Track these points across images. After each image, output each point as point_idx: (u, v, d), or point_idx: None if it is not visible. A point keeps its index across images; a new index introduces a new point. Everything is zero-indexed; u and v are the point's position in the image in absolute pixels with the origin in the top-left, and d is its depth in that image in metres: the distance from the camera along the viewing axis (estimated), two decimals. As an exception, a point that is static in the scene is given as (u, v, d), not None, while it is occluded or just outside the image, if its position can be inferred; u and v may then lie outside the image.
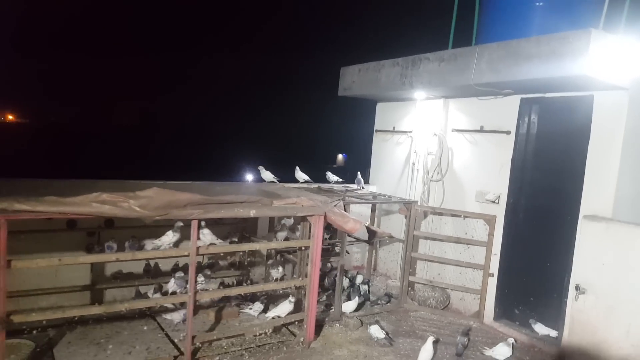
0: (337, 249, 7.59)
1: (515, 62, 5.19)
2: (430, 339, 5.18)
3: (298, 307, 5.54)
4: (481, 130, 6.63)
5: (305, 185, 7.37)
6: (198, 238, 4.55)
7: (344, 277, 7.30)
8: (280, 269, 5.19)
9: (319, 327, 5.89)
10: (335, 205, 5.74)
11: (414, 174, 7.64)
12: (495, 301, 6.44)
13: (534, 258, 6.12)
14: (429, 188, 7.34)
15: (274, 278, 5.20)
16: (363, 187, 7.84)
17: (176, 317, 5.37)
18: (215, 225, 6.45)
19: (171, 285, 4.71)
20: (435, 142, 7.23)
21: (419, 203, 7.32)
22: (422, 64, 6.36)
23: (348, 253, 7.64)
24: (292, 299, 5.24)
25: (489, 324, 6.44)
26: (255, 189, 6.31)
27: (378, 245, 8.36)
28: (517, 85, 5.58)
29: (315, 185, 7.51)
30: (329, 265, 7.50)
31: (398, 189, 7.98)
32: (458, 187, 6.99)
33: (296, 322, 5.51)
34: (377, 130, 8.55)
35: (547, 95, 5.83)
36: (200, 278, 4.71)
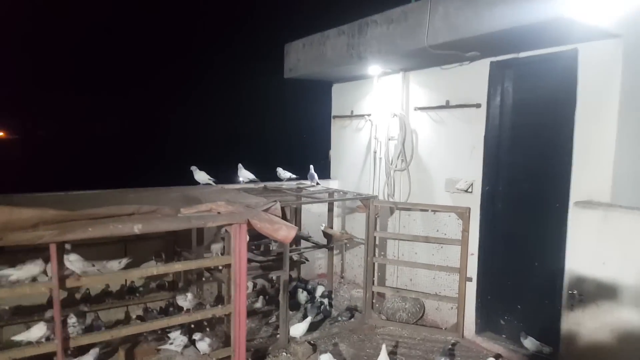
0: (294, 257, 6.52)
1: (475, 12, 4.05)
2: (384, 348, 4.20)
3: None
4: (447, 105, 5.50)
5: (249, 186, 6.27)
6: (60, 266, 3.41)
7: (302, 290, 6.22)
8: (189, 295, 4.07)
9: (260, 358, 4.82)
10: (268, 209, 4.63)
11: (376, 163, 6.52)
12: (477, 311, 5.34)
13: (518, 257, 5.01)
14: (394, 179, 6.22)
15: (184, 308, 4.08)
16: (318, 183, 6.74)
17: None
18: (143, 240, 5.37)
19: (38, 330, 3.57)
20: (396, 125, 6.10)
21: (381, 197, 6.22)
22: (370, 28, 5.22)
23: (307, 261, 6.56)
24: (197, 336, 4.09)
25: (471, 339, 5.33)
26: (178, 193, 5.21)
27: (344, 249, 7.25)
28: (481, 43, 4.44)
29: (262, 184, 6.42)
30: (283, 276, 6.38)
31: (361, 182, 6.85)
32: (425, 176, 5.86)
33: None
34: (334, 116, 7.41)
35: (522, 55, 4.70)
36: (72, 319, 3.59)
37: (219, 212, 4.20)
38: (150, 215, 3.86)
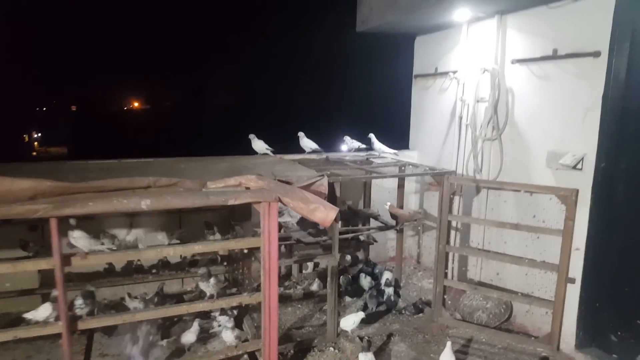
0: (360, 237, 5.76)
1: None
2: (449, 345, 3.63)
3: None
4: (554, 55, 4.23)
5: (310, 156, 5.63)
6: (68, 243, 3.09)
7: (365, 275, 5.50)
8: (212, 280, 3.57)
9: (302, 352, 4.27)
10: (310, 185, 3.93)
11: (462, 131, 5.42)
12: (579, 320, 4.18)
13: (642, 258, 3.75)
14: (482, 151, 5.11)
15: (207, 294, 3.60)
16: (396, 154, 5.82)
17: (190, 338, 4.08)
18: (197, 212, 5.09)
19: (44, 310, 3.32)
20: (487, 83, 4.93)
21: (465, 173, 5.16)
22: (450, -41, 4.12)
23: (375, 242, 5.78)
24: (228, 323, 3.65)
25: (568, 354, 4.22)
26: (228, 164, 4.78)
27: (422, 231, 6.32)
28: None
29: (324, 155, 5.72)
30: (347, 258, 5.71)
31: (443, 154, 5.79)
32: (522, 148, 4.67)
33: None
34: (416, 76, 6.34)
35: (666, -22, 3.31)
36: (79, 301, 3.30)
37: (247, 188, 3.61)
38: (165, 189, 3.39)
